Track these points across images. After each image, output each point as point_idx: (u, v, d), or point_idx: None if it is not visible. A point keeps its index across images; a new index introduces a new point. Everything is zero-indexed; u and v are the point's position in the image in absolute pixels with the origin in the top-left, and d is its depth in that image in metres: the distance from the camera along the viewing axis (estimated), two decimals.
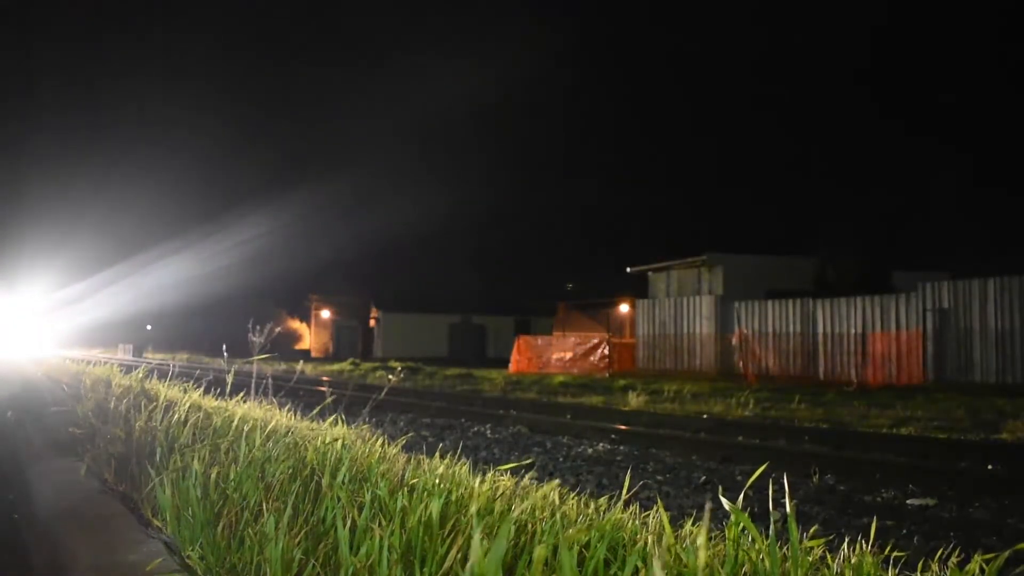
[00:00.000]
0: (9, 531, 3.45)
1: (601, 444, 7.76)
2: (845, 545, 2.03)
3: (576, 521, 2.19)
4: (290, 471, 2.55)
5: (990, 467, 6.47)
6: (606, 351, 24.17)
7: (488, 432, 8.94)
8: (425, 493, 2.13)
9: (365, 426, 3.69)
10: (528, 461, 5.81)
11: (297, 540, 1.94)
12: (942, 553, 2.08)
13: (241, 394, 5.09)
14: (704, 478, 5.97)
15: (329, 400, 4.41)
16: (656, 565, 1.21)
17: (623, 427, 8.80)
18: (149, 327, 53.66)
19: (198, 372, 15.11)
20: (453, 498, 2.17)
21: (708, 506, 1.49)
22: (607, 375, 22.46)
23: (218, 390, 6.35)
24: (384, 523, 1.90)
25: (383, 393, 11.49)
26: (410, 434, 4.24)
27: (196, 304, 45.02)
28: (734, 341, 21.67)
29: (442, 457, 3.07)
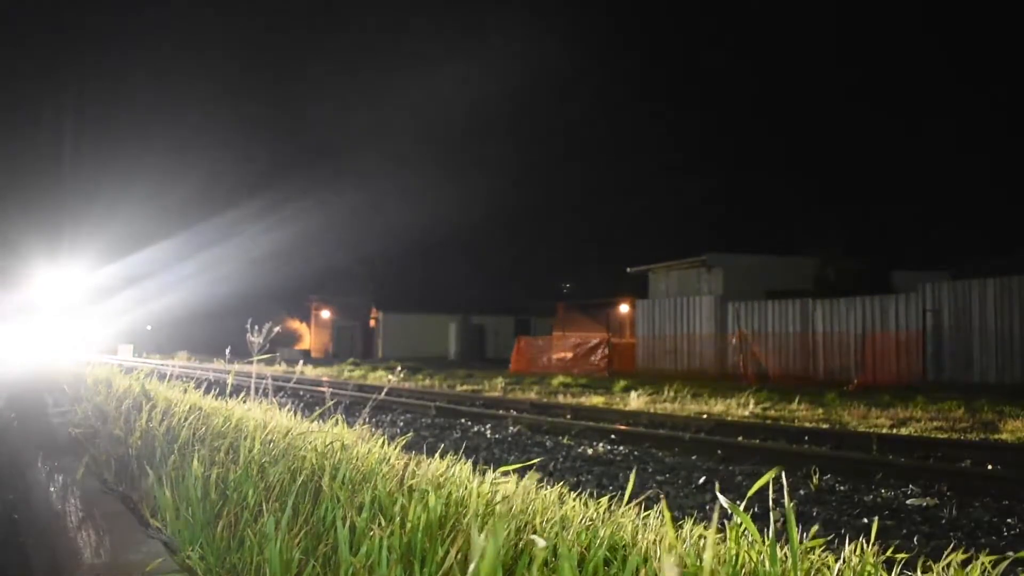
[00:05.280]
0: (9, 531, 3.45)
1: (601, 444, 7.76)
2: (846, 546, 2.03)
3: (576, 522, 2.18)
4: (290, 472, 2.55)
5: (990, 467, 6.47)
6: (606, 351, 24.18)
7: (488, 432, 8.94)
8: (425, 494, 2.13)
9: (365, 426, 3.69)
10: (534, 462, 5.79)
11: (297, 540, 1.94)
12: (948, 562, 2.08)
13: (242, 395, 5.09)
14: (704, 478, 5.97)
15: (329, 401, 4.41)
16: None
17: (623, 427, 8.80)
18: (149, 328, 53.66)
19: (198, 373, 15.05)
20: (453, 499, 2.17)
21: (717, 507, 1.49)
22: (607, 375, 22.46)
23: (218, 391, 6.36)
24: (384, 524, 1.90)
25: (383, 393, 11.52)
26: (410, 434, 4.24)
27: (196, 305, 45.04)
28: (734, 341, 21.68)
29: (442, 457, 3.07)
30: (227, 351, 6.40)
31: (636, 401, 12.88)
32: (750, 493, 2.28)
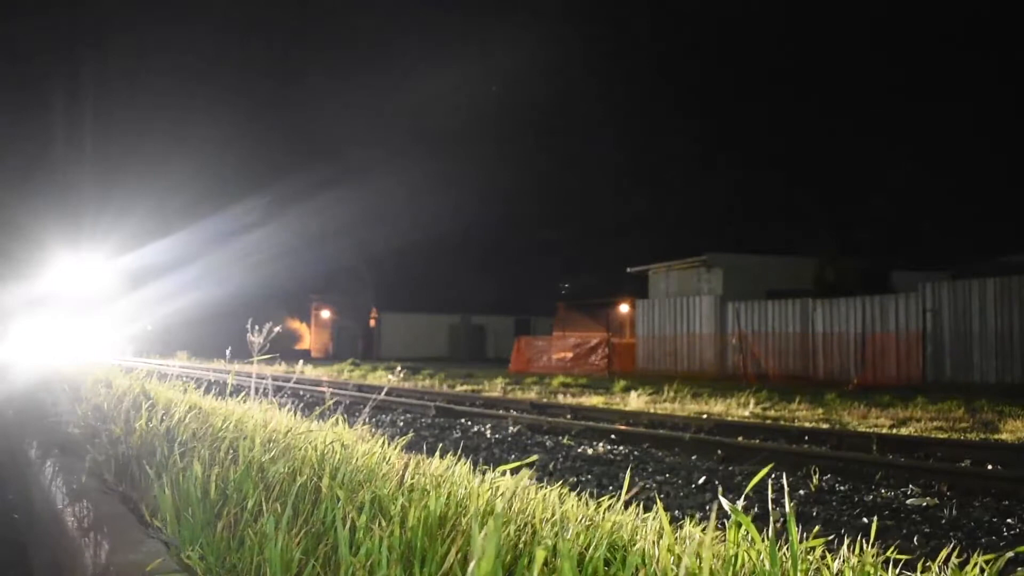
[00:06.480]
0: (9, 531, 3.45)
1: (601, 444, 7.76)
2: (845, 545, 2.03)
3: (576, 522, 2.19)
4: (290, 471, 2.55)
5: (990, 467, 6.47)
6: (606, 351, 24.20)
7: (488, 432, 8.94)
8: (425, 493, 2.13)
9: (365, 426, 3.69)
10: (533, 460, 5.78)
11: (297, 540, 1.94)
12: (945, 554, 2.08)
13: (242, 395, 5.09)
14: (704, 478, 5.97)
15: (329, 401, 4.40)
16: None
17: (623, 427, 8.80)
18: (149, 328, 53.63)
19: (198, 373, 15.06)
20: (453, 499, 2.17)
21: (715, 506, 1.49)
22: (607, 375, 22.47)
23: (218, 391, 6.36)
24: (384, 523, 1.90)
25: (383, 393, 11.51)
26: (410, 434, 4.24)
27: (196, 305, 44.97)
28: (733, 341, 21.68)
29: (442, 457, 3.07)
30: (227, 351, 6.39)
31: (636, 401, 12.89)
32: (747, 489, 2.28)
